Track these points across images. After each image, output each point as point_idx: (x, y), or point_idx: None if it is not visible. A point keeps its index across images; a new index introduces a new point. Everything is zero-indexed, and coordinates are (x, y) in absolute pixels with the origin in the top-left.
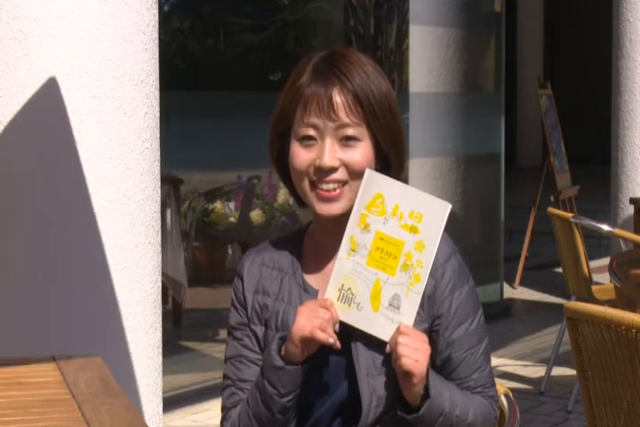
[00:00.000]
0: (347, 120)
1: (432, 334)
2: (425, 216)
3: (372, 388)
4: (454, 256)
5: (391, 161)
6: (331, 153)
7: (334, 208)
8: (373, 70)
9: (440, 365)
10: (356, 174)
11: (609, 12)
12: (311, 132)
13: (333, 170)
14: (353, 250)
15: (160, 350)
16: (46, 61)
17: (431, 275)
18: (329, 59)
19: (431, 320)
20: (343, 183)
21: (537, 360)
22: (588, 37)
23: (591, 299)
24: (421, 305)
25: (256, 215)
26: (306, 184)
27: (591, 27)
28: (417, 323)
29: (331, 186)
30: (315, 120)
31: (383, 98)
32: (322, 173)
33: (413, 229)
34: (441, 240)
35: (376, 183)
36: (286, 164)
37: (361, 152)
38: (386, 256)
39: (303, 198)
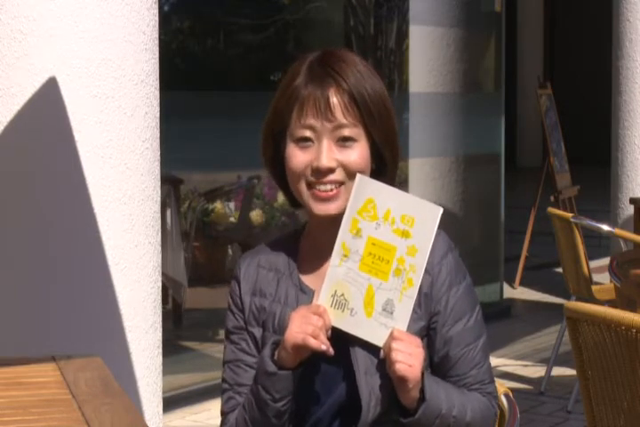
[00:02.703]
0: (344, 121)
1: (429, 331)
2: (417, 220)
3: (371, 386)
4: (451, 253)
5: (387, 160)
6: (328, 154)
7: (331, 208)
8: (366, 69)
9: (438, 362)
10: (353, 175)
11: (609, 12)
12: (308, 133)
13: (331, 171)
14: (345, 256)
15: (160, 349)
16: (46, 61)
17: (428, 272)
18: (323, 59)
19: (428, 318)
20: (340, 184)
21: (537, 360)
22: (587, 37)
23: (591, 299)
24: (418, 303)
25: (256, 215)
26: (302, 185)
27: (591, 27)
28: (414, 321)
29: (328, 187)
30: (312, 121)
31: (378, 97)
32: (319, 174)
33: (405, 234)
34: (437, 238)
35: (367, 188)
36: (280, 164)
37: (358, 153)
38: (378, 261)
39: (299, 199)
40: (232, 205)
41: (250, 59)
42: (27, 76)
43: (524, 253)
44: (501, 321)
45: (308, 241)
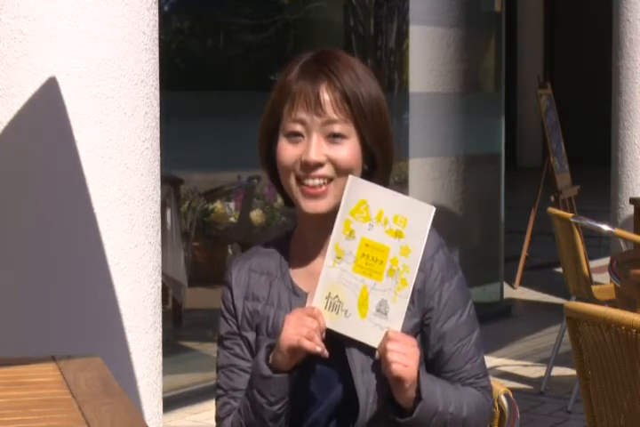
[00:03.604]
0: (334, 116)
1: (423, 328)
2: (409, 220)
3: (368, 384)
4: (441, 249)
5: (378, 162)
6: (317, 148)
7: (320, 205)
8: (363, 72)
9: (432, 358)
10: (342, 171)
11: (609, 12)
12: (298, 127)
13: (319, 165)
14: (339, 257)
15: (160, 350)
16: (46, 61)
17: (420, 269)
18: (318, 58)
19: (422, 314)
20: (329, 180)
21: (537, 360)
22: (587, 37)
23: (591, 299)
24: (412, 300)
25: (256, 215)
26: (292, 180)
27: (591, 27)
28: (408, 318)
29: (317, 181)
30: (302, 115)
31: (373, 100)
32: (307, 168)
33: (398, 234)
34: (427, 235)
35: (360, 189)
36: (275, 163)
37: (348, 149)
38: (372, 262)
39: (290, 195)
40: (232, 205)
41: (250, 59)
42: (27, 76)
43: (524, 253)
44: (501, 321)
45: (299, 242)
